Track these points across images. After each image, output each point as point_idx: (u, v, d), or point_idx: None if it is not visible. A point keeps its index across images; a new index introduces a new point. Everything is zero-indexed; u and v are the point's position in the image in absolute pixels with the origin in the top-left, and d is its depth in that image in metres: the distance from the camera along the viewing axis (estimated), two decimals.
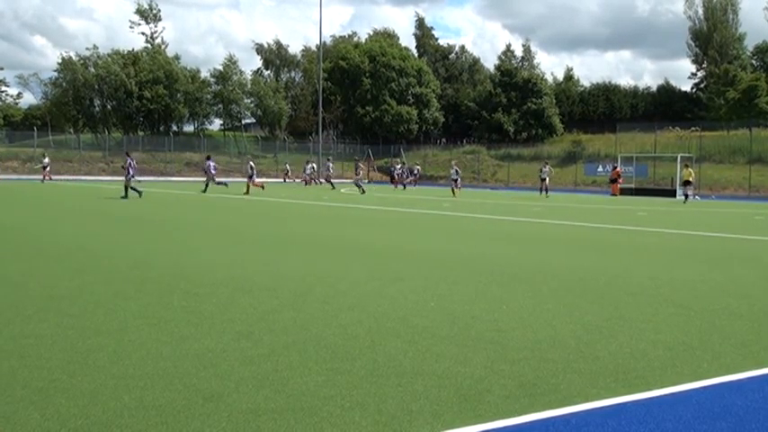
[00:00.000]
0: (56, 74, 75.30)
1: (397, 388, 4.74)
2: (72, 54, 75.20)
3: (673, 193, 47.11)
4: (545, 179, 42.33)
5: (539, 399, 4.59)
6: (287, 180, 56.70)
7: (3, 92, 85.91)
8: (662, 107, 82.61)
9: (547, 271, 10.44)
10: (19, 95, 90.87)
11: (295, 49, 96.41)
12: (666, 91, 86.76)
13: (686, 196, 39.01)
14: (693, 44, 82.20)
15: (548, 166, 43.43)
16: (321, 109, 74.14)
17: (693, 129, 61.15)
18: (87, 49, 76.64)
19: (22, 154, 63.04)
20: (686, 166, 41.37)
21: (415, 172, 57.13)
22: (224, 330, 6.25)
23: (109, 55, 75.21)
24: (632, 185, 50.52)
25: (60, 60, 74.33)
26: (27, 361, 5.21)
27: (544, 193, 41.61)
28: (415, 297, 8.03)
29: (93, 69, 74.18)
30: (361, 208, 26.25)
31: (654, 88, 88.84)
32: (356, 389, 4.70)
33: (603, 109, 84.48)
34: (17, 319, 6.58)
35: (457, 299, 7.97)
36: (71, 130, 78.45)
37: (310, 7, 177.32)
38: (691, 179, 39.85)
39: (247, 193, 34.86)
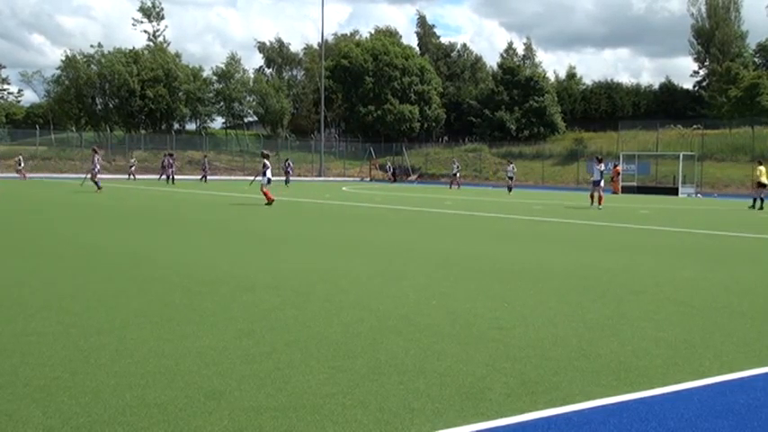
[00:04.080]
0: (57, 71, 75.39)
1: (398, 386, 4.74)
2: (75, 52, 75.23)
3: (675, 191, 47.09)
4: (599, 182, 27.87)
5: (540, 397, 4.58)
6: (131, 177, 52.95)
7: (4, 90, 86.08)
8: (664, 105, 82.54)
9: (549, 269, 10.44)
10: (20, 93, 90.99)
11: (295, 47, 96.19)
12: (668, 89, 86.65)
13: (755, 200, 30.37)
14: (695, 42, 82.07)
15: (601, 164, 28.74)
16: (323, 107, 74.12)
17: (695, 127, 61.11)
18: (92, 46, 76.79)
19: (23, 152, 63.00)
20: (759, 162, 31.26)
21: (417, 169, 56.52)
22: (225, 328, 6.25)
23: (111, 53, 75.20)
24: (634, 183, 50.45)
25: (63, 58, 74.44)
26: (29, 359, 5.22)
27: (596, 204, 27.39)
28: (416, 295, 8.03)
29: (95, 67, 74.16)
30: (363, 206, 26.25)
31: (655, 86, 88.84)
32: (358, 387, 4.71)
33: (605, 107, 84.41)
34: (19, 316, 6.58)
35: (459, 297, 7.97)
36: (73, 128, 78.41)
37: (307, 5, 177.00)
38: (764, 180, 29.96)
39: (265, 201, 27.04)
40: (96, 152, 34.40)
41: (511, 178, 41.72)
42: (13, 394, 4.45)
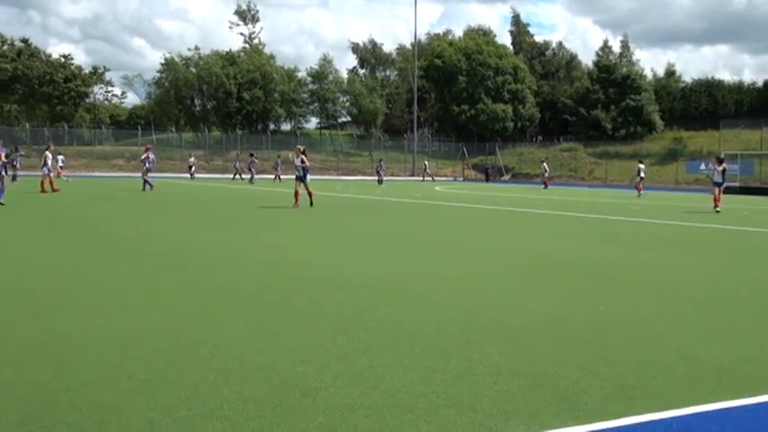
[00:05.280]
0: (158, 74, 77.77)
1: (492, 387, 4.70)
2: (174, 55, 77.49)
3: None
4: (721, 183, 25.69)
5: (638, 401, 4.48)
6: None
7: (109, 92, 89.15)
8: None
9: (647, 271, 10.20)
10: (123, 95, 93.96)
11: (387, 47, 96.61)
12: None
13: None
14: None
15: (722, 164, 26.21)
16: (416, 107, 74.23)
17: None
18: (189, 49, 78.89)
19: (126, 152, 65.24)
20: None
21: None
22: (320, 326, 6.33)
23: (208, 55, 77.11)
24: (737, 184, 48.81)
25: (163, 61, 76.76)
26: (132, 353, 5.39)
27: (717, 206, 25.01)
28: (509, 296, 7.96)
29: (193, 70, 76.18)
30: (455, 206, 26.16)
31: (759, 84, 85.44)
32: (451, 387, 4.69)
33: (706, 105, 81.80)
34: (122, 312, 6.80)
35: (553, 299, 7.86)
36: (173, 129, 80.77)
37: (398, 5, 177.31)
38: None
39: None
40: (148, 150, 32.22)
41: (642, 179, 38.96)
42: (117, 387, 4.60)
